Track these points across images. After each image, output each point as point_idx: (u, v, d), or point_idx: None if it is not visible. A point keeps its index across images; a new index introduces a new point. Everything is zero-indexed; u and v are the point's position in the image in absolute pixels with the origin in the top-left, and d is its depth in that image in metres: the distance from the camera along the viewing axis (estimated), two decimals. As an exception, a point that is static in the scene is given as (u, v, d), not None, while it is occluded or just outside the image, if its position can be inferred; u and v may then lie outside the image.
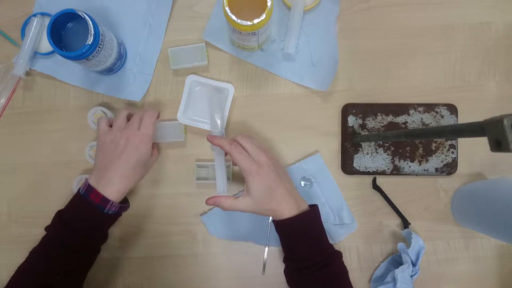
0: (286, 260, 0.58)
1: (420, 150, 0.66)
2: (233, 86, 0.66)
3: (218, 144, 0.56)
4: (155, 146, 0.65)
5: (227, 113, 0.66)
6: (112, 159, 0.56)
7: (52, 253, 0.55)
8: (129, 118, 0.61)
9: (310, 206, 0.57)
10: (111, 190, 0.55)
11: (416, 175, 0.67)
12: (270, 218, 0.66)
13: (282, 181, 0.55)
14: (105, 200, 0.55)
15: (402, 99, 0.68)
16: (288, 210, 0.54)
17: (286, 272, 0.59)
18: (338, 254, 0.57)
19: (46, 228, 0.57)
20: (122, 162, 0.56)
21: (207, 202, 0.56)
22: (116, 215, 0.58)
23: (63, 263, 0.55)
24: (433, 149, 0.66)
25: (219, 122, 0.63)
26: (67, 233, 0.54)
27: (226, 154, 0.58)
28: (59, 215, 0.57)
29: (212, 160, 0.68)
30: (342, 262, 0.57)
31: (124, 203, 0.59)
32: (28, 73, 0.68)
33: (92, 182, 0.56)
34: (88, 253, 0.59)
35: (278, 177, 0.54)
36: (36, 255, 0.56)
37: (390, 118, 0.67)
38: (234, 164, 0.57)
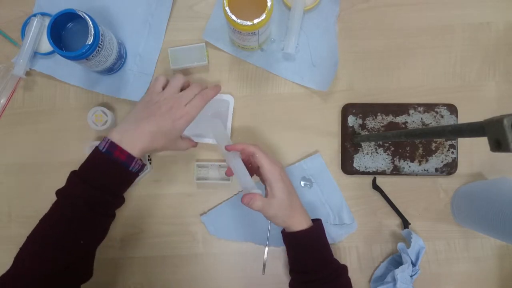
0: (292, 272, 0.58)
1: (420, 150, 0.66)
2: (233, 96, 0.67)
3: (240, 147, 0.55)
4: (192, 143, 0.64)
5: (230, 124, 0.67)
6: (149, 117, 0.54)
7: (73, 214, 0.50)
8: (186, 86, 0.59)
9: (313, 220, 0.58)
10: (138, 147, 0.52)
11: (416, 175, 0.67)
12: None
13: (295, 191, 0.57)
14: (131, 157, 0.52)
15: (402, 99, 0.68)
16: (300, 222, 0.56)
17: (292, 284, 0.59)
18: (344, 268, 0.58)
19: (59, 192, 0.52)
20: (156, 124, 0.54)
21: (243, 200, 0.53)
22: (137, 174, 0.55)
23: (86, 225, 0.51)
24: (433, 149, 0.66)
25: (228, 134, 0.66)
26: (89, 191, 0.50)
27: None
28: (76, 174, 0.52)
29: (211, 160, 0.68)
30: (347, 276, 0.58)
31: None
32: (28, 73, 0.68)
33: (116, 139, 0.51)
34: (108, 216, 0.55)
35: (292, 185, 0.57)
36: (50, 220, 0.51)
37: (390, 118, 0.67)
38: (254, 167, 0.57)
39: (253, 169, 0.58)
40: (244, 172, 0.56)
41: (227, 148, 0.56)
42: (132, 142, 0.52)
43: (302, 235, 0.55)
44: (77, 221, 0.51)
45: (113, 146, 0.51)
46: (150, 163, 0.68)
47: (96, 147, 0.52)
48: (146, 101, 0.57)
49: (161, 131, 0.54)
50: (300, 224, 0.56)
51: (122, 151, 0.51)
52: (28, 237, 0.52)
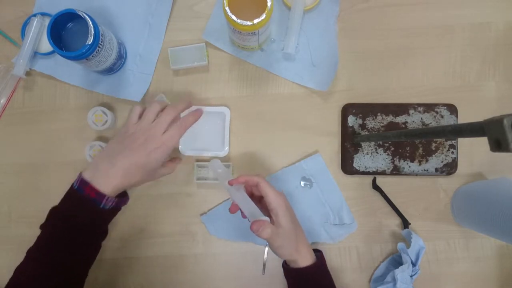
0: None
1: (420, 150, 0.66)
2: (229, 108, 0.67)
3: (243, 179, 0.54)
4: (176, 160, 0.62)
5: (228, 137, 0.67)
6: (123, 152, 0.53)
7: (51, 250, 0.52)
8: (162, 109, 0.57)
9: (314, 251, 0.58)
10: (108, 184, 0.51)
11: (416, 175, 0.67)
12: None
13: (298, 222, 0.57)
14: (100, 195, 0.51)
15: (402, 99, 0.68)
16: (306, 256, 0.54)
17: None
18: None
19: (41, 226, 0.54)
20: (130, 159, 0.52)
21: (252, 227, 0.51)
22: (114, 209, 0.54)
23: (63, 261, 0.52)
24: (433, 149, 0.66)
25: (230, 170, 0.66)
26: (64, 229, 0.52)
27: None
28: (54, 211, 0.53)
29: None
30: None
31: (123, 196, 0.56)
32: (28, 73, 0.68)
33: (87, 176, 0.52)
34: (88, 250, 0.55)
35: (295, 216, 0.56)
36: (33, 254, 0.53)
37: (390, 118, 0.67)
38: (256, 199, 0.56)
39: (256, 201, 0.56)
40: (250, 201, 0.54)
41: (230, 183, 0.54)
42: (104, 180, 0.51)
43: (308, 272, 0.53)
44: (52, 257, 0.52)
45: (84, 183, 0.51)
46: None
47: (72, 184, 0.53)
48: (122, 133, 0.55)
49: (135, 166, 0.53)
50: (305, 258, 0.54)
51: (92, 188, 0.51)
52: (15, 269, 0.53)
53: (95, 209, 0.51)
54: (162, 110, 0.57)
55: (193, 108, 0.63)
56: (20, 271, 0.52)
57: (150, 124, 0.55)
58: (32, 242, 0.65)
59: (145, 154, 0.53)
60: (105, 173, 0.52)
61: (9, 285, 0.51)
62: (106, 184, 0.51)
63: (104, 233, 0.57)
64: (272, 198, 0.52)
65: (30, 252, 0.53)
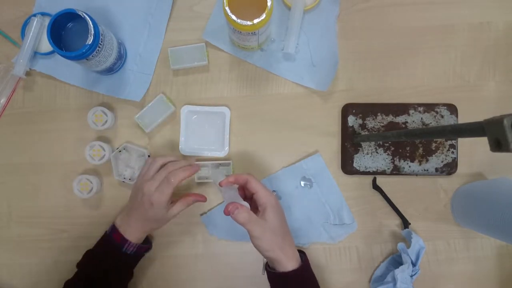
0: None
1: (420, 150, 0.66)
2: (229, 108, 0.67)
3: (233, 179, 0.54)
4: (183, 201, 0.59)
5: (228, 136, 0.67)
6: (134, 205, 0.58)
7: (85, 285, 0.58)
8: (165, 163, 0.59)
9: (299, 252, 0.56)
10: (130, 232, 0.58)
11: (416, 175, 0.67)
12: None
13: (287, 226, 0.56)
14: (124, 240, 0.57)
15: (402, 99, 0.68)
16: (290, 257, 0.53)
17: None
18: None
19: (77, 265, 0.59)
20: (138, 213, 0.57)
21: (226, 208, 0.51)
22: (137, 255, 0.60)
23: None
24: (433, 149, 0.66)
25: (222, 170, 0.66)
26: (91, 268, 0.58)
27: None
28: (88, 253, 0.60)
29: (212, 160, 0.68)
30: None
31: (147, 243, 0.62)
32: (28, 73, 0.68)
33: (117, 222, 0.59)
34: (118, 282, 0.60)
35: (285, 219, 0.56)
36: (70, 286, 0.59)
37: (390, 118, 0.67)
38: (248, 193, 0.56)
39: (248, 201, 0.55)
40: (240, 199, 0.54)
41: (221, 184, 0.54)
42: (128, 229, 0.58)
43: (293, 276, 0.52)
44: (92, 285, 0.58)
45: (113, 228, 0.59)
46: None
47: (107, 230, 0.60)
48: (136, 186, 0.59)
49: (144, 218, 0.57)
50: (290, 260, 0.52)
51: (118, 233, 0.58)
52: (64, 284, 0.59)
53: (118, 253, 0.57)
54: (164, 164, 0.59)
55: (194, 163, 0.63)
56: None
57: (147, 181, 0.56)
58: (32, 242, 0.65)
59: (144, 210, 0.56)
60: (127, 222, 0.58)
61: None
62: (129, 231, 0.58)
63: (129, 276, 0.62)
64: (261, 194, 0.53)
65: (67, 285, 0.59)
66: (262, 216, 0.52)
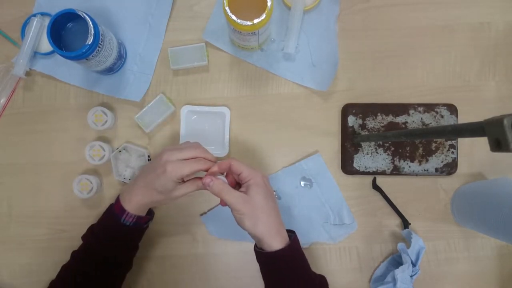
0: None
1: (420, 150, 0.66)
2: (229, 108, 0.67)
3: (217, 168, 0.53)
4: (193, 182, 0.56)
5: (228, 136, 0.67)
6: (145, 170, 0.57)
7: (84, 259, 0.57)
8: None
9: (287, 231, 0.54)
10: (130, 201, 0.55)
11: (416, 175, 0.67)
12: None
13: (276, 205, 0.54)
14: (122, 210, 0.55)
15: (402, 99, 0.68)
16: (276, 236, 0.51)
17: None
18: (324, 283, 0.55)
19: (82, 237, 0.59)
20: (147, 177, 0.55)
21: (203, 179, 0.52)
22: (136, 227, 0.57)
23: (93, 271, 0.56)
24: (433, 149, 0.66)
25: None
26: (92, 241, 0.57)
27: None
28: (91, 226, 0.59)
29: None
30: None
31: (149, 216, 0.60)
32: (28, 73, 0.68)
33: (121, 193, 0.58)
34: (115, 264, 0.58)
35: (274, 197, 0.54)
36: (77, 255, 0.58)
37: (390, 118, 0.67)
38: (239, 179, 0.54)
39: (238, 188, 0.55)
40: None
41: (206, 178, 0.52)
42: (128, 197, 0.56)
43: (279, 256, 0.50)
44: (87, 265, 0.57)
45: (116, 199, 0.57)
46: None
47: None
48: (156, 155, 0.58)
49: (150, 186, 0.54)
50: (275, 239, 0.51)
51: (118, 203, 0.56)
52: (62, 267, 0.59)
53: (117, 223, 0.56)
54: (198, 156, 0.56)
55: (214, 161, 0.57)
56: (65, 268, 0.58)
57: (174, 149, 0.54)
58: (32, 241, 0.65)
59: (155, 175, 0.53)
60: (129, 191, 0.56)
61: (55, 280, 0.58)
62: (129, 200, 0.56)
63: (133, 249, 0.61)
64: (245, 174, 0.52)
65: (73, 256, 0.59)
66: (247, 193, 0.51)
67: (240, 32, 0.57)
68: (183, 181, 0.55)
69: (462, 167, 0.67)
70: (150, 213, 0.61)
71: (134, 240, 0.60)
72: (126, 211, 0.55)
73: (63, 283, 0.58)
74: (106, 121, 0.65)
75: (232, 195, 0.51)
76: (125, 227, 0.56)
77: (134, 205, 0.55)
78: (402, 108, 0.67)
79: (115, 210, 0.56)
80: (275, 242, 0.51)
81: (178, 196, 0.55)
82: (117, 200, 0.57)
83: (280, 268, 0.52)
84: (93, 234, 0.57)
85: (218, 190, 0.51)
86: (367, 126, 0.67)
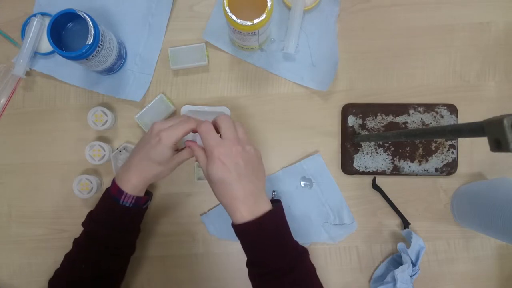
0: (248, 265, 0.55)
1: (420, 150, 0.66)
2: (229, 108, 0.67)
3: (189, 144, 0.55)
4: (189, 149, 0.57)
5: None
6: (139, 145, 0.56)
7: (86, 246, 0.57)
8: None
9: (274, 203, 0.53)
10: (127, 181, 0.55)
11: (416, 175, 0.67)
12: None
13: (243, 178, 0.50)
14: (120, 191, 0.54)
15: (402, 99, 0.68)
16: (246, 212, 0.50)
17: (250, 277, 0.55)
18: (304, 255, 0.53)
19: (82, 224, 0.58)
20: (142, 151, 0.55)
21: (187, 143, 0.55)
22: (136, 208, 0.57)
23: (97, 257, 0.56)
24: (433, 149, 0.66)
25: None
26: (93, 226, 0.56)
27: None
28: (90, 212, 0.58)
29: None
30: (309, 262, 0.53)
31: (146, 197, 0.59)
32: (28, 73, 0.68)
33: (116, 176, 0.57)
34: (118, 248, 0.58)
35: (242, 172, 0.50)
36: (77, 243, 0.58)
37: (390, 118, 0.67)
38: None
39: None
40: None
41: (186, 144, 0.56)
42: (126, 177, 0.55)
43: (248, 227, 0.49)
44: (87, 252, 0.57)
45: (113, 182, 0.57)
46: None
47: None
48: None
49: (146, 160, 0.54)
50: (247, 214, 0.49)
51: (115, 186, 0.55)
52: (65, 255, 0.59)
53: (115, 205, 0.55)
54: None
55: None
56: (68, 256, 0.58)
57: (161, 122, 0.56)
58: (32, 241, 0.65)
59: (150, 147, 0.54)
60: (126, 171, 0.55)
61: (59, 269, 0.58)
62: (126, 181, 0.55)
63: (135, 231, 0.61)
64: (205, 145, 0.51)
65: (74, 243, 0.58)
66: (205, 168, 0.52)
67: (240, 32, 0.57)
68: (177, 150, 0.57)
69: (462, 167, 0.67)
70: (148, 194, 0.62)
71: (134, 222, 0.59)
72: (124, 192, 0.54)
73: (68, 271, 0.57)
74: (106, 121, 0.65)
75: (201, 159, 0.53)
76: (125, 209, 0.55)
77: (133, 185, 0.55)
78: (402, 108, 0.67)
79: (112, 193, 0.55)
80: (240, 215, 0.50)
81: (176, 164, 0.57)
82: (113, 183, 0.56)
83: (250, 237, 0.52)
84: (92, 220, 0.56)
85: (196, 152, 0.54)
86: (367, 126, 0.67)
